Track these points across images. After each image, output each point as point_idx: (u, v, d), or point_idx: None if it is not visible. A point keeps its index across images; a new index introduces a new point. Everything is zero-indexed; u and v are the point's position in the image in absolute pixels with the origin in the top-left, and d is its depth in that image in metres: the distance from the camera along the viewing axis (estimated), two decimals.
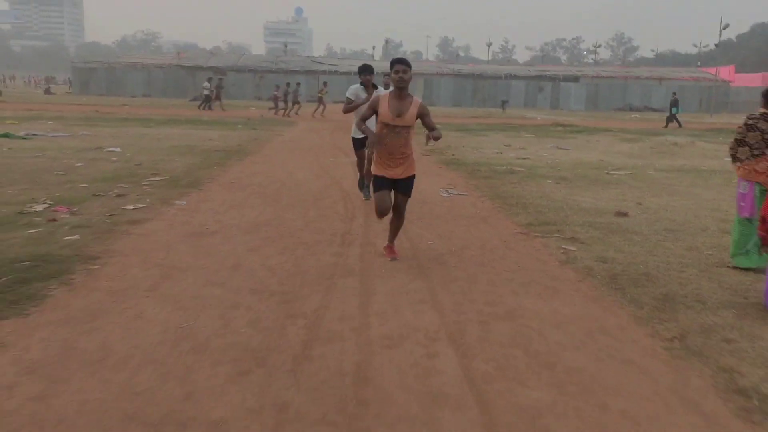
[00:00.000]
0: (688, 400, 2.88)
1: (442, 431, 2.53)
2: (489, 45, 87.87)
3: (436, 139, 4.72)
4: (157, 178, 9.04)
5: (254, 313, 3.83)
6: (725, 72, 55.51)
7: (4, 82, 69.46)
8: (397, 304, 4.01)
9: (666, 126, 27.27)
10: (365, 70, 7.22)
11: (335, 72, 52.38)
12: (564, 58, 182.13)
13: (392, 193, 4.96)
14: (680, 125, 26.61)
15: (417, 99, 4.82)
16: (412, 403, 2.74)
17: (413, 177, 4.98)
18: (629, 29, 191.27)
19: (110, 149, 12.51)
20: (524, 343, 3.48)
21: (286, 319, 3.74)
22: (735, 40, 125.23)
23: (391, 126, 4.74)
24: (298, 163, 11.66)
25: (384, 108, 4.74)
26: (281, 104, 29.48)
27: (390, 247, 5.15)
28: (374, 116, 4.97)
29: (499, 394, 2.86)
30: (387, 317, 3.79)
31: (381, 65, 44.97)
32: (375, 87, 7.23)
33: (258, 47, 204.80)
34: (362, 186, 7.71)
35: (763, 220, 4.12)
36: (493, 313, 3.93)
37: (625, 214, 7.24)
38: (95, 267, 4.67)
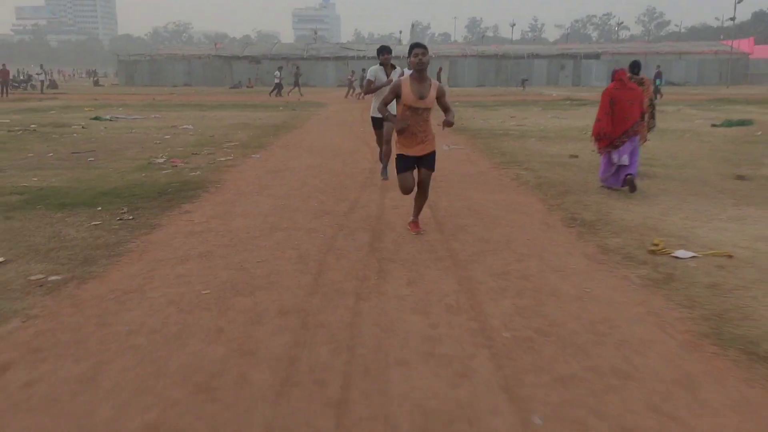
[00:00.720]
0: (546, 224, 5.70)
1: (423, 240, 5.34)
2: (512, 25, 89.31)
3: (449, 125, 4.99)
4: (232, 144, 12.04)
5: (320, 200, 6.75)
6: (745, 45, 56.47)
7: (51, 75, 73.90)
8: (402, 196, 6.89)
9: (657, 97, 29.32)
10: (383, 51, 7.53)
11: (363, 57, 55.07)
12: (594, 35, 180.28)
13: (415, 171, 5.28)
14: (660, 96, 28.26)
15: (435, 81, 5.11)
16: (403, 226, 5.61)
17: (434, 153, 5.28)
18: (661, 3, 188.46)
19: (184, 126, 15.58)
20: (471, 207, 6.34)
21: (338, 202, 6.65)
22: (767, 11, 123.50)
23: (413, 108, 5.00)
24: (335, 132, 14.55)
25: (407, 91, 4.98)
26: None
27: (415, 223, 5.47)
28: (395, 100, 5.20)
29: (450, 221, 5.73)
30: (395, 199, 6.67)
31: (406, 49, 47.39)
32: (393, 67, 7.59)
33: (287, 34, 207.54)
34: (381, 158, 8.08)
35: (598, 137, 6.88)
36: (459, 200, 6.78)
37: (575, 156, 9.96)
38: (219, 185, 7.65)
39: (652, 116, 8.55)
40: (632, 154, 7.00)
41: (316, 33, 78.05)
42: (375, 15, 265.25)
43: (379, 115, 7.09)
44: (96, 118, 17.26)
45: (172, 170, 8.83)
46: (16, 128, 14.32)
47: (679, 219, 5.89)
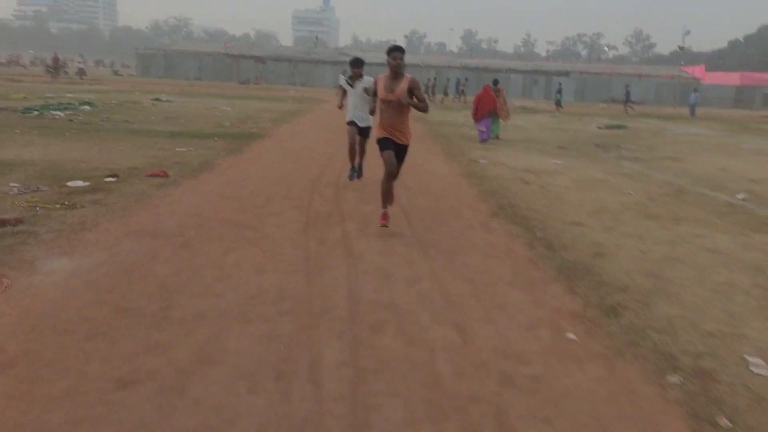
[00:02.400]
0: (434, 153, 11.90)
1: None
2: (495, 42, 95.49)
3: (408, 102, 5.54)
4: (264, 119, 18.19)
5: (326, 141, 12.92)
6: (698, 71, 63.30)
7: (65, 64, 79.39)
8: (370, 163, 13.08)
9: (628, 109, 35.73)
10: (354, 64, 7.98)
11: (369, 63, 61.21)
12: (584, 52, 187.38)
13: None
14: (560, 108, 33.35)
15: (410, 76, 5.58)
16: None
17: (407, 146, 5.83)
18: (649, 26, 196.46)
19: (224, 108, 21.67)
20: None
21: (329, 160, 12.82)
22: (742, 40, 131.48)
23: (385, 102, 5.59)
24: (336, 117, 20.74)
25: (380, 87, 5.62)
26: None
27: (385, 215, 5.77)
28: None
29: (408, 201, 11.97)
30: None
31: (409, 58, 53.94)
32: (361, 77, 7.95)
33: (285, 35, 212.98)
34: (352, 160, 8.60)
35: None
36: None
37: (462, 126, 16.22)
38: (269, 136, 13.81)
39: (503, 109, 14.83)
40: (487, 128, 13.31)
41: (317, 38, 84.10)
42: (373, 21, 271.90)
43: (354, 120, 8.19)
44: (157, 99, 23.32)
45: (238, 129, 14.96)
46: (105, 103, 20.32)
47: (503, 155, 12.12)
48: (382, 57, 13.54)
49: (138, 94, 27.40)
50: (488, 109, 13.91)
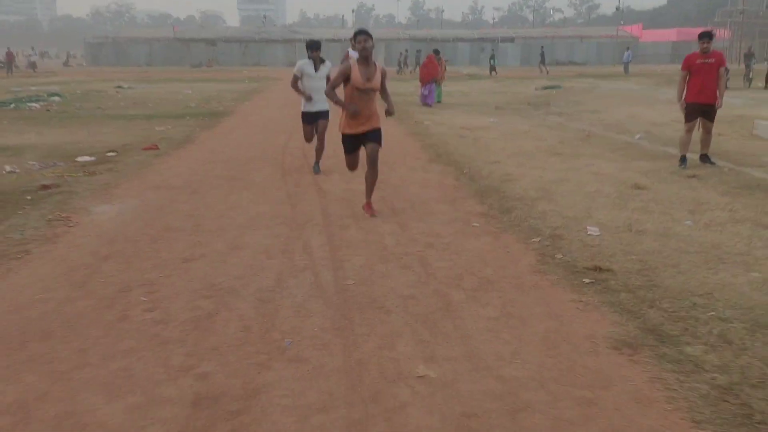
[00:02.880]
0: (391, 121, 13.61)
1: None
2: (442, 11, 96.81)
3: (390, 114, 5.54)
4: (226, 99, 19.53)
5: (282, 114, 14.46)
6: (636, 29, 66.10)
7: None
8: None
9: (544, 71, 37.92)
10: (313, 47, 7.56)
11: (319, 39, 62.05)
12: (531, 17, 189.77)
13: (362, 149, 5.62)
14: (495, 73, 35.89)
15: (380, 65, 5.54)
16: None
17: (379, 129, 5.55)
18: None
19: (186, 92, 22.83)
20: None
21: (292, 130, 14.37)
22: None
23: (361, 90, 5.34)
24: (288, 94, 22.18)
25: (356, 74, 5.31)
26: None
27: (369, 204, 5.72)
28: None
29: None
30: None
31: (351, 32, 54.64)
32: (322, 61, 7.60)
33: (231, 15, 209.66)
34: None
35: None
36: None
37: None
38: (234, 113, 15.26)
39: (442, 76, 16.59)
40: (430, 92, 15.04)
41: (265, 18, 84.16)
42: None
43: (311, 110, 7.65)
44: (119, 87, 24.30)
45: (204, 109, 16.33)
46: (71, 93, 21.30)
47: (445, 117, 13.87)
48: (332, 33, 15.16)
49: (97, 83, 28.19)
50: (432, 76, 15.63)
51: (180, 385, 2.74)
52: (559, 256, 4.56)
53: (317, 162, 7.94)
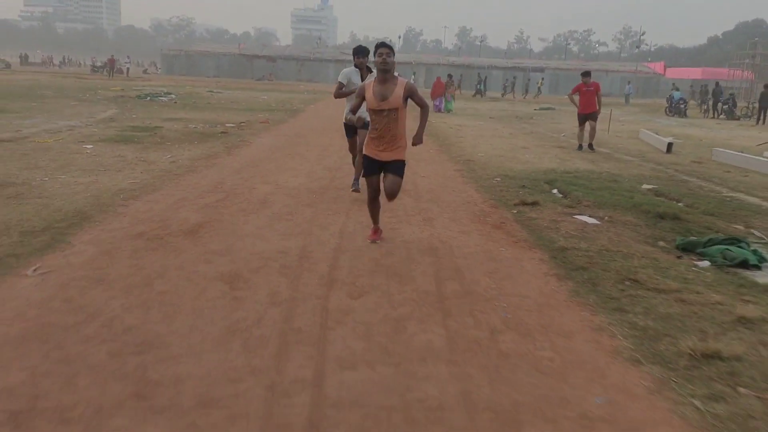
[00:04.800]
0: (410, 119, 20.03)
1: None
2: (481, 41, 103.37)
3: (418, 143, 5.00)
4: (298, 103, 26.25)
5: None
6: (659, 67, 71.41)
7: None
8: None
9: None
10: (359, 52, 6.92)
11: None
12: (575, 49, 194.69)
13: (381, 176, 5.02)
14: (482, 96, 42.56)
15: (403, 79, 4.86)
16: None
17: (402, 162, 4.99)
18: (642, 22, 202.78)
19: (262, 97, 29.69)
20: None
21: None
22: (721, 36, 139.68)
23: (377, 111, 4.76)
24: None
25: (369, 94, 4.77)
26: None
27: (376, 230, 5.29)
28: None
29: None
30: None
31: (400, 57, 62.26)
32: (369, 70, 6.95)
33: (284, 33, 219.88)
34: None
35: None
36: None
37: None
38: (304, 111, 21.91)
39: (452, 93, 22.94)
40: (440, 102, 21.45)
41: (320, 39, 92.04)
42: (371, 18, 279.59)
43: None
44: (210, 91, 31.36)
45: (283, 107, 23.02)
46: (177, 93, 28.30)
47: (448, 120, 20.20)
48: None
49: (187, 88, 35.37)
50: (439, 92, 22.06)
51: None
52: (470, 166, 10.84)
53: (356, 179, 7.50)
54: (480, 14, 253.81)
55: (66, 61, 77.60)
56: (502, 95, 44.33)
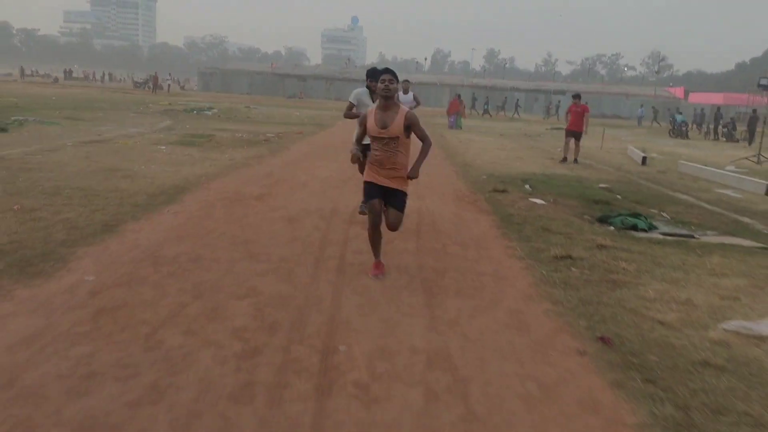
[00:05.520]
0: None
1: None
2: (506, 65, 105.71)
3: (413, 177, 4.80)
4: (327, 119, 29.03)
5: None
6: (679, 92, 73.19)
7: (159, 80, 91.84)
8: None
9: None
10: (372, 75, 6.68)
11: None
12: (603, 72, 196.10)
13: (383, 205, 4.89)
14: (488, 115, 45.53)
15: (405, 108, 4.77)
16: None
17: (404, 194, 4.87)
18: (671, 48, 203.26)
19: (295, 113, 32.56)
20: None
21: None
22: (749, 63, 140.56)
23: (378, 138, 4.68)
24: None
25: (370, 122, 4.70)
26: None
27: (377, 264, 4.95)
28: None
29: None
30: None
31: (427, 77, 64.50)
32: None
33: (314, 52, 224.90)
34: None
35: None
36: None
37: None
38: (332, 126, 24.63)
39: (464, 112, 25.56)
40: (454, 120, 23.99)
41: (349, 60, 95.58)
42: (399, 39, 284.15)
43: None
44: (247, 107, 34.38)
45: (314, 122, 25.78)
46: (218, 108, 31.28)
47: (458, 134, 22.73)
48: (412, 77, 24.65)
49: (225, 103, 38.48)
50: (454, 110, 24.66)
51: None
52: (459, 162, 13.35)
53: (364, 202, 6.73)
54: (508, 37, 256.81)
55: (107, 76, 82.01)
56: (482, 114, 47.47)
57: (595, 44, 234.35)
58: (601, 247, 6.21)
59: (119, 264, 4.82)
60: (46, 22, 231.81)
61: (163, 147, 13.20)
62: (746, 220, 8.76)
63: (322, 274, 4.88)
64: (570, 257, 5.69)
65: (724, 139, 31.13)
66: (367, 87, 7.09)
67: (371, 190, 4.85)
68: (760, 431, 2.84)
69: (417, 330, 3.83)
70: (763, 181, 11.71)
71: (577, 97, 16.46)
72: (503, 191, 9.65)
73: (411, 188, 5.09)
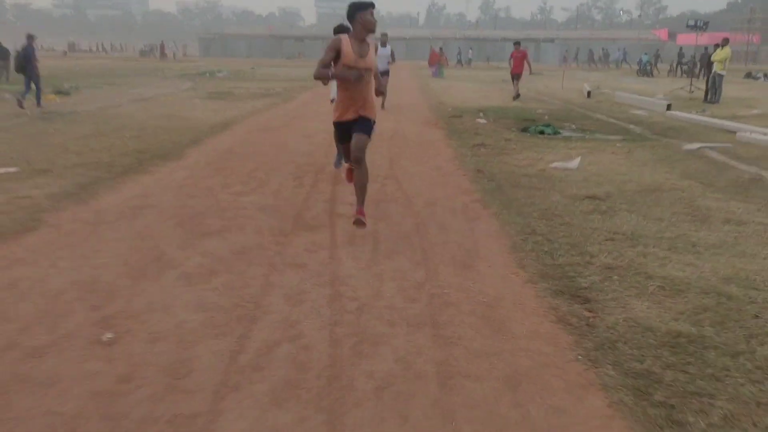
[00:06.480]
0: (415, 81, 25.83)
1: None
2: (497, 14, 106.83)
3: (380, 94, 4.94)
4: None
5: None
6: (664, 33, 75.36)
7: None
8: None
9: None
10: (342, 31, 5.83)
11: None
12: (599, 17, 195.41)
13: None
14: (462, 66, 48.49)
15: (372, 41, 4.78)
16: None
17: (369, 119, 4.80)
18: None
19: (295, 72, 35.65)
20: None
21: None
22: (740, 1, 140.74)
23: (353, 68, 4.57)
24: None
25: (348, 49, 4.54)
26: None
27: (360, 210, 4.77)
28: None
29: (405, 94, 26.05)
30: None
31: (421, 32, 66.88)
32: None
33: (308, 11, 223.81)
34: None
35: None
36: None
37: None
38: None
39: (445, 62, 28.75)
40: (435, 70, 27.18)
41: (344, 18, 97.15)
42: None
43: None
44: (251, 69, 37.48)
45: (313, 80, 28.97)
46: (227, 71, 34.40)
47: (440, 81, 25.98)
48: (405, 32, 30.57)
49: (232, 66, 41.49)
50: (434, 61, 27.84)
51: None
52: (434, 100, 16.75)
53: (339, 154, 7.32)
54: None
55: (111, 47, 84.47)
56: (455, 65, 50.62)
57: None
58: (507, 140, 9.71)
59: (213, 154, 8.38)
60: None
61: (198, 100, 16.61)
62: (633, 127, 12.19)
63: (330, 156, 8.40)
64: (483, 145, 9.20)
65: (685, 75, 34.11)
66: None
67: (342, 133, 4.87)
68: (533, 192, 6.35)
69: (383, 168, 7.37)
70: (664, 102, 15.09)
71: (517, 44, 19.60)
72: (459, 117, 13.10)
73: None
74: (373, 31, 4.57)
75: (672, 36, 76.99)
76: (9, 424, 2.33)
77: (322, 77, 4.58)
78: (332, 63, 4.60)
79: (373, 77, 4.76)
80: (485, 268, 4.14)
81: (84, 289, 3.65)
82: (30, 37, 13.97)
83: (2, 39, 24.65)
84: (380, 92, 4.95)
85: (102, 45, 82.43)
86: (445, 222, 5.27)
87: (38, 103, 13.89)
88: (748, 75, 34.50)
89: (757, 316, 3.37)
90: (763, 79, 33.11)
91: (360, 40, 4.61)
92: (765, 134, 10.02)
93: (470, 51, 55.80)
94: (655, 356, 2.90)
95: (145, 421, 2.38)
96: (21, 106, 13.21)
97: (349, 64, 4.55)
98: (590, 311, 3.42)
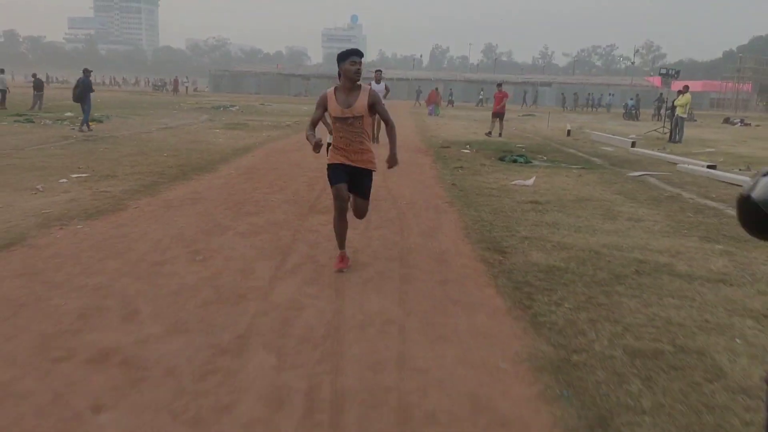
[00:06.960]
0: (411, 120, 28.06)
1: None
2: (495, 59, 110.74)
3: (392, 163, 4.87)
4: None
5: None
6: (658, 81, 78.34)
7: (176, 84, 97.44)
8: None
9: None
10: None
11: (391, 78, 77.88)
12: (599, 63, 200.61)
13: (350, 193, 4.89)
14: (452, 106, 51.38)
15: (366, 86, 4.70)
16: None
17: (371, 173, 4.86)
18: (665, 37, 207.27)
19: (304, 108, 38.01)
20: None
21: None
22: (736, 50, 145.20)
23: (342, 119, 4.62)
24: None
25: (333, 103, 4.63)
26: None
27: (342, 256, 4.88)
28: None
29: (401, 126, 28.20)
30: None
31: (424, 73, 69.80)
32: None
33: (315, 51, 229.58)
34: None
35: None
36: None
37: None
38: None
39: (440, 103, 31.08)
40: (432, 109, 29.48)
41: None
42: (399, 36, 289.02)
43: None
44: (261, 104, 39.88)
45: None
46: (238, 105, 36.74)
47: (436, 120, 28.20)
48: (409, 74, 37.66)
49: (242, 102, 43.97)
50: (432, 100, 30.17)
51: None
52: (427, 134, 18.84)
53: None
54: (506, 31, 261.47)
55: (125, 80, 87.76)
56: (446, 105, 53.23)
57: (591, 36, 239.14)
58: (482, 165, 11.72)
59: (241, 168, 10.38)
60: (51, 28, 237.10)
61: (218, 130, 18.71)
62: (595, 160, 14.19)
63: None
64: (462, 167, 11.20)
65: (667, 119, 36.40)
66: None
67: (337, 174, 4.72)
68: (491, 198, 8.28)
69: (376, 182, 9.33)
70: (630, 140, 17.15)
71: (499, 85, 21.78)
72: (448, 147, 15.14)
73: (386, 146, 4.93)
74: (355, 79, 4.56)
75: (666, 83, 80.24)
76: (161, 280, 4.24)
77: (308, 139, 4.60)
78: (323, 117, 4.96)
79: (367, 123, 4.71)
80: (442, 236, 6.07)
81: (175, 237, 5.58)
82: (87, 71, 16.15)
83: (15, 70, 26.98)
84: (392, 161, 4.89)
85: (114, 78, 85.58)
86: (420, 213, 7.21)
87: (87, 128, 16.04)
88: (726, 120, 36.82)
89: (609, 261, 5.27)
90: (739, 124, 35.44)
91: (347, 90, 4.61)
92: (699, 166, 12.01)
93: (451, 90, 59.41)
94: (533, 275, 4.80)
95: (234, 287, 4.29)
96: (89, 129, 15.85)
97: (337, 116, 4.62)
98: (503, 256, 5.33)
